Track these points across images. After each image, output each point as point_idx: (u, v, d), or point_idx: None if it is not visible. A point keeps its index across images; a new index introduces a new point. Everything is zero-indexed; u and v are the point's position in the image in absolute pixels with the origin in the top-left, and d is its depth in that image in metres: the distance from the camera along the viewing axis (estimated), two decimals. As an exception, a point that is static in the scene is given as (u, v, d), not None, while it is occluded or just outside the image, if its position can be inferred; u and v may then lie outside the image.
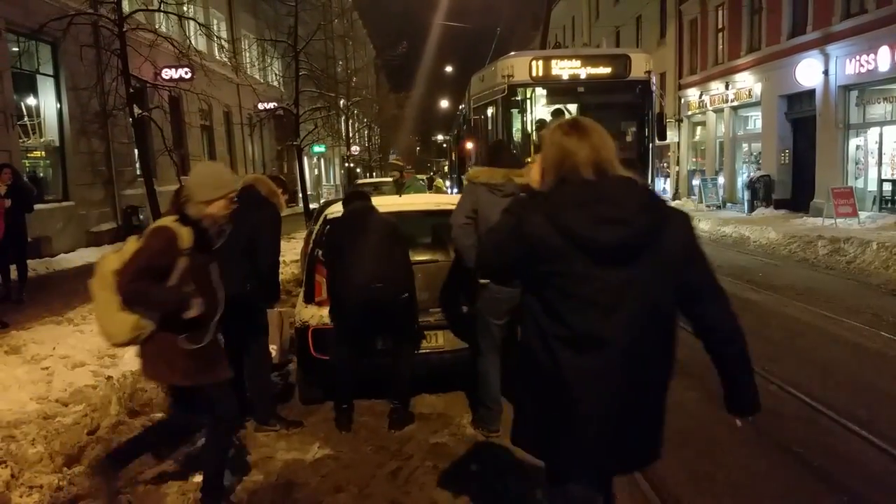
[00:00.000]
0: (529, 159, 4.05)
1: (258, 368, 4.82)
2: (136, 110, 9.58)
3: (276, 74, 27.01)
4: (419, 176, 17.99)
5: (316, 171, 40.65)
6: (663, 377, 2.28)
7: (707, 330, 2.32)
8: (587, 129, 2.23)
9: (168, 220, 3.32)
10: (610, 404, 2.15)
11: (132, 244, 3.36)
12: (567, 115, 9.90)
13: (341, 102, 31.59)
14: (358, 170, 46.75)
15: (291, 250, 11.46)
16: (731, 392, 2.40)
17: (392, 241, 4.81)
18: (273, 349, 4.94)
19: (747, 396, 2.37)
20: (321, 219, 5.95)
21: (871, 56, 15.55)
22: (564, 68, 9.18)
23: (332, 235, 4.97)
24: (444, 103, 55.68)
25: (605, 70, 9.26)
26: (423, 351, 5.06)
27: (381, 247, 4.72)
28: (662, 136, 9.92)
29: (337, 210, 5.95)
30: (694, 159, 27.51)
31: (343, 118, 34.28)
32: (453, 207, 5.07)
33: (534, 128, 9.77)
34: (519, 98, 9.48)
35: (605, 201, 2.11)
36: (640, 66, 9.18)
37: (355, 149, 41.79)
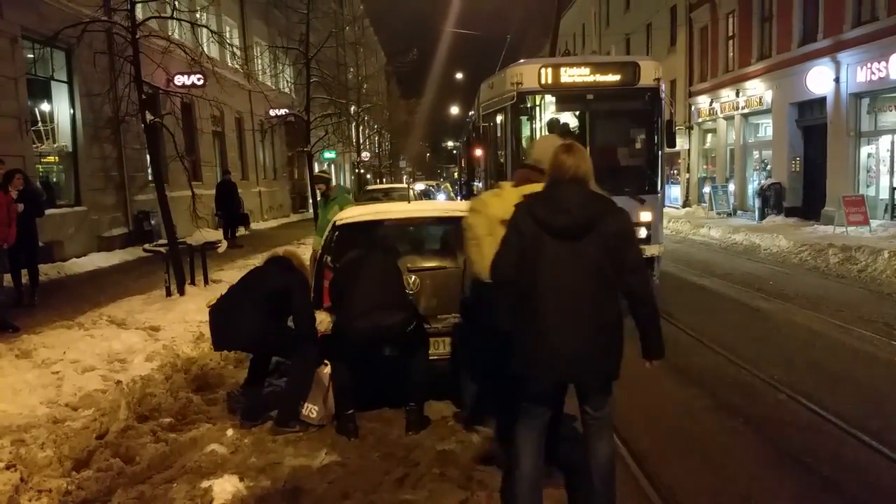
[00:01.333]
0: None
1: (301, 370, 4.90)
2: (149, 116, 9.62)
3: (287, 81, 27.13)
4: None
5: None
6: (608, 318, 3.25)
7: (629, 293, 3.27)
8: (575, 150, 3.37)
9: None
10: (566, 329, 3.20)
11: (511, 193, 3.74)
12: (572, 124, 9.93)
13: (352, 109, 31.70)
14: (368, 175, 46.88)
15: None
16: (644, 342, 3.36)
17: (394, 277, 4.90)
18: (314, 409, 4.90)
19: (655, 346, 3.35)
20: (330, 225, 5.98)
21: (883, 63, 15.48)
22: (573, 76, 9.17)
23: (334, 283, 4.98)
24: (455, 110, 55.88)
25: (614, 77, 9.24)
26: (431, 357, 5.05)
27: (383, 284, 4.77)
28: (672, 144, 9.88)
29: (346, 216, 5.99)
30: (704, 167, 27.42)
31: (354, 124, 34.38)
32: (461, 214, 5.26)
33: (548, 124, 9.82)
34: (528, 105, 9.46)
35: (560, 199, 3.24)
36: (649, 73, 9.15)
37: (366, 155, 41.91)
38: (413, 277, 5.26)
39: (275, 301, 4.87)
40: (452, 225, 5.93)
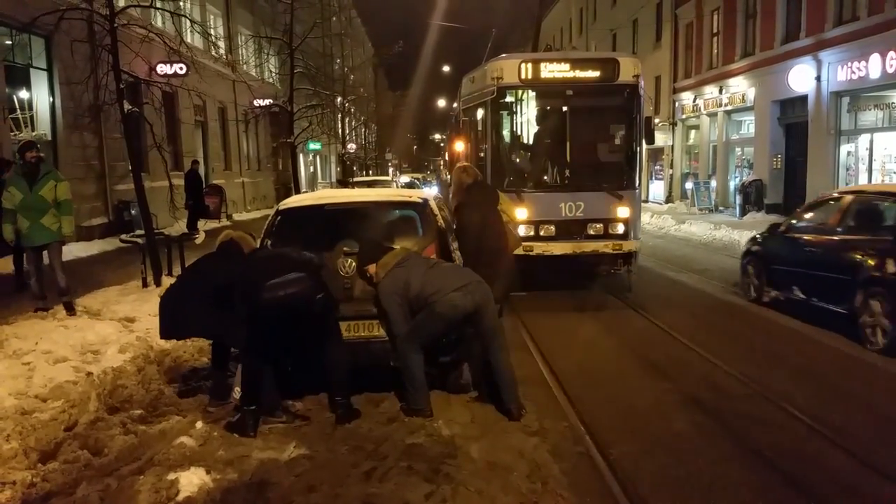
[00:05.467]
0: None
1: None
2: (127, 106, 9.55)
3: (271, 71, 26.98)
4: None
5: (311, 168, 40.64)
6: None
7: None
8: (470, 169, 6.15)
9: None
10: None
11: None
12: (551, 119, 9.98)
13: (338, 100, 31.57)
14: (354, 167, 46.78)
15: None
16: None
17: (292, 258, 4.89)
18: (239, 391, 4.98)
19: None
20: (273, 210, 6.09)
21: (863, 63, 15.62)
22: (553, 71, 9.19)
23: (247, 274, 4.90)
24: (442, 103, 55.71)
25: (593, 74, 9.28)
26: (363, 338, 5.14)
27: (286, 260, 4.80)
28: (650, 141, 9.93)
29: (290, 202, 6.21)
30: (688, 163, 27.59)
31: (339, 116, 34.26)
32: (408, 199, 6.11)
33: (528, 119, 9.94)
34: (508, 100, 9.50)
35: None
36: (628, 70, 9.19)
37: (351, 146, 41.80)
38: (349, 261, 5.30)
39: (223, 292, 4.86)
40: (393, 210, 6.07)
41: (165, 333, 5.13)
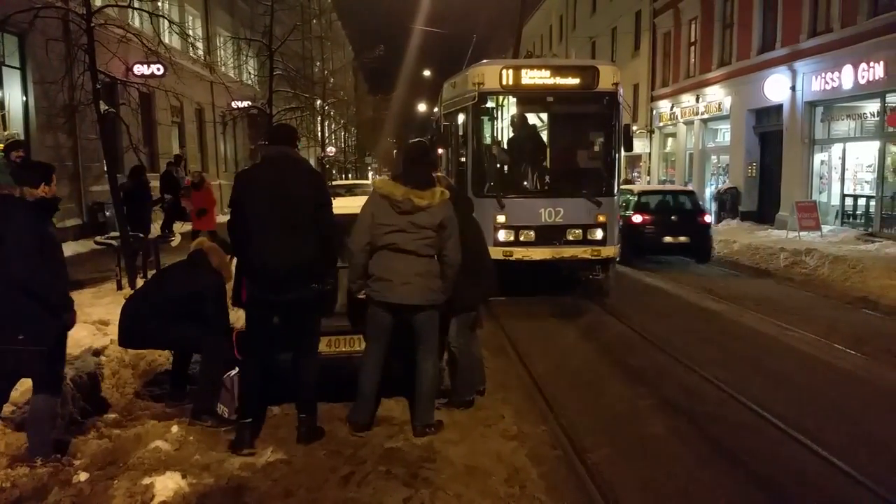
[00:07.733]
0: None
1: (210, 366, 4.88)
2: (103, 106, 9.44)
3: (250, 73, 26.81)
4: None
5: (290, 172, 40.39)
6: None
7: None
8: (442, 180, 4.95)
9: None
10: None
11: None
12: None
13: (317, 103, 31.44)
14: (333, 171, 46.60)
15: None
16: None
17: (311, 207, 4.26)
18: (225, 410, 4.85)
19: None
20: None
21: (836, 74, 15.92)
22: (534, 78, 9.27)
23: (242, 191, 4.30)
24: (422, 107, 55.79)
25: (573, 81, 9.37)
26: (345, 353, 5.10)
27: (296, 216, 4.23)
28: (629, 148, 10.04)
29: None
30: (665, 170, 27.87)
31: (319, 119, 34.13)
32: None
33: (508, 125, 9.99)
34: (489, 106, 9.55)
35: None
36: (607, 77, 9.29)
37: (331, 150, 41.64)
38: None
39: (186, 304, 4.87)
40: None
41: (122, 342, 5.10)
